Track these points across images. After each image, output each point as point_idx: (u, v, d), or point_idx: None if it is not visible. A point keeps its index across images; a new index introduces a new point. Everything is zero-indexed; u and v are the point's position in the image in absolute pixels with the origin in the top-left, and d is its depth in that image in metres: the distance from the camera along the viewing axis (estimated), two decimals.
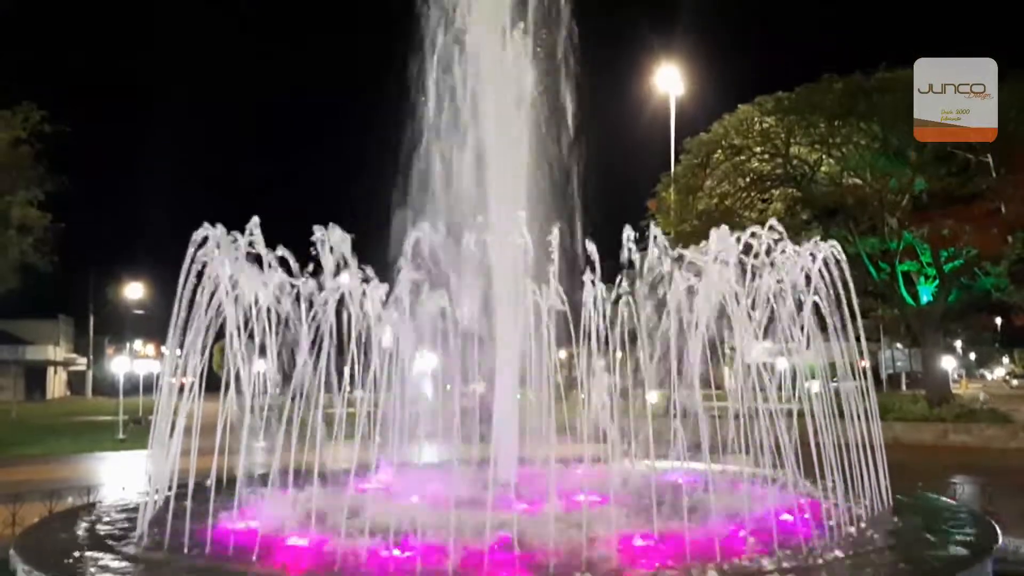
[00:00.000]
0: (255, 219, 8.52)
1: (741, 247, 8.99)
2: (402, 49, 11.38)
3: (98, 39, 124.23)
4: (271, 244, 8.62)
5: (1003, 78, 16.53)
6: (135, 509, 8.51)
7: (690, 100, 37.72)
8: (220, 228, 8.36)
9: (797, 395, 8.91)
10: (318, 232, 8.68)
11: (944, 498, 10.23)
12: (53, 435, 32.22)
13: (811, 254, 9.04)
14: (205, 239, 8.24)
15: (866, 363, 10.15)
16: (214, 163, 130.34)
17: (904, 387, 62.04)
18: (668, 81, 36.84)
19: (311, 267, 8.87)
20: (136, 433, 29.16)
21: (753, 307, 8.79)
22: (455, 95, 11.26)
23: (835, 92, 30.65)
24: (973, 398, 39.93)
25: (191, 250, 8.18)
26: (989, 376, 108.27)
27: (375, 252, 9.77)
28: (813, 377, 9.20)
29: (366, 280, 9.16)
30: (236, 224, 8.57)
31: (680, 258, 9.27)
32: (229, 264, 8.27)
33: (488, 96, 11.17)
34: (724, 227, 9.17)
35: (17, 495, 10.86)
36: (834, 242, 9.36)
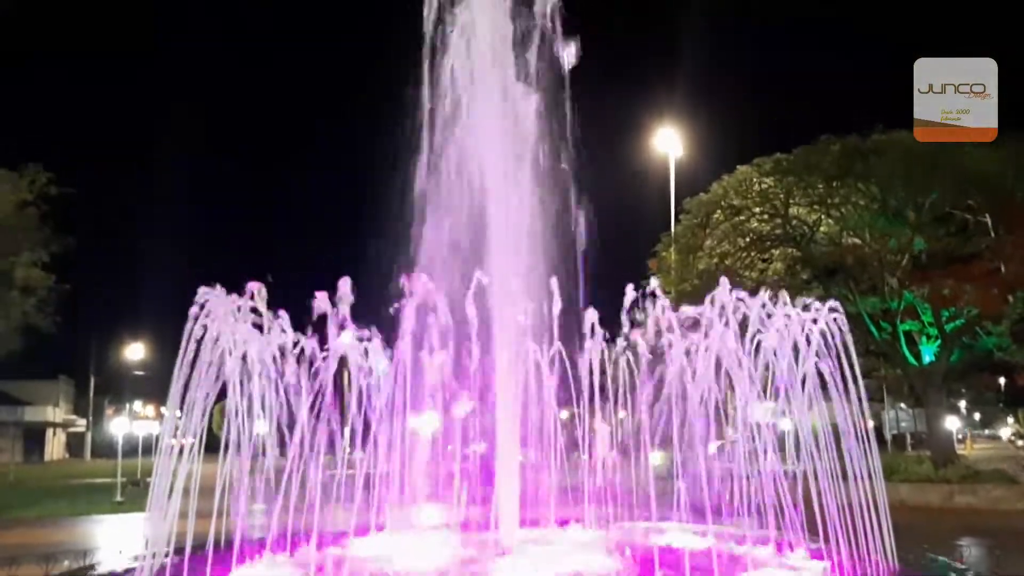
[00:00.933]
0: (254, 283, 8.57)
1: (740, 309, 8.99)
2: (402, 113, 11.50)
3: (100, 86, 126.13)
4: (272, 290, 8.65)
5: (1002, 139, 16.65)
6: (132, 572, 8.40)
7: (689, 161, 38.14)
8: (221, 289, 8.39)
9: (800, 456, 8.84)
10: (320, 297, 8.72)
11: (951, 560, 10.09)
12: (51, 497, 31.87)
13: (813, 319, 9.01)
14: (207, 301, 8.28)
15: (869, 423, 10.07)
16: (217, 211, 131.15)
17: (909, 447, 61.42)
18: (667, 142, 37.27)
19: (312, 322, 8.89)
20: (134, 495, 28.83)
21: (755, 367, 8.77)
22: (456, 156, 11.37)
23: (832, 154, 30.91)
24: (1015, 457, 38.97)
25: (193, 310, 8.21)
26: (1004, 436, 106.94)
27: (375, 304, 9.77)
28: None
29: (366, 339, 9.16)
30: (238, 272, 8.61)
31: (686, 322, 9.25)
32: (231, 325, 8.29)
33: (489, 157, 11.27)
34: (724, 280, 9.15)
35: (13, 558, 10.76)
36: (835, 303, 9.33)
